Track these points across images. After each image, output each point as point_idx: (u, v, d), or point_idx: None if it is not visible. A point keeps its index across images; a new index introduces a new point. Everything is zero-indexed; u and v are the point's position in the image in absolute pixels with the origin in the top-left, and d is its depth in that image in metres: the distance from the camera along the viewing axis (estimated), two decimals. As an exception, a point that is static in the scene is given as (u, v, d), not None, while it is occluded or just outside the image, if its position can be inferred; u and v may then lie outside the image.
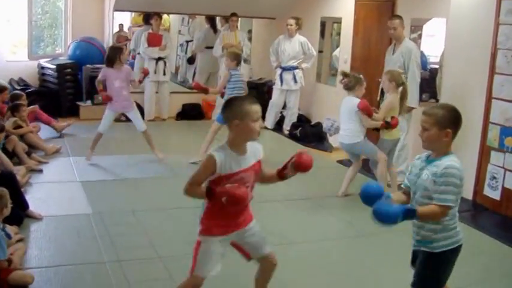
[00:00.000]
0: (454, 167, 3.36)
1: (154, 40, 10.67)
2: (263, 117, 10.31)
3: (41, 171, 7.33)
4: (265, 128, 10.39)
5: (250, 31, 13.10)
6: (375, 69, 8.84)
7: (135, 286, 4.50)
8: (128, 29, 14.28)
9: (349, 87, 6.66)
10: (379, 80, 8.54)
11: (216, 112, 11.05)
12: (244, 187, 3.42)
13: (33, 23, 11.05)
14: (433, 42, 8.23)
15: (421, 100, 7.87)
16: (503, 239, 5.80)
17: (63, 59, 11.37)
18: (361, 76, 6.74)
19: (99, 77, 7.85)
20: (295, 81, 10.10)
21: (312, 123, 10.44)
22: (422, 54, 8.14)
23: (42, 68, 11.10)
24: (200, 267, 3.59)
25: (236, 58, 8.02)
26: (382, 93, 7.54)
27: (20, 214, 5.46)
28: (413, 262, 3.71)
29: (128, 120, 8.29)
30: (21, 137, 7.77)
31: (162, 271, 4.80)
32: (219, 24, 12.56)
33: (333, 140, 9.49)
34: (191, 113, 11.31)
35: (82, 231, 5.53)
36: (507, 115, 6.43)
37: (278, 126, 10.54)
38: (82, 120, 10.53)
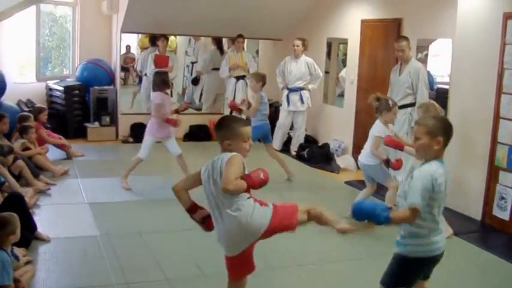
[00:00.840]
0: (426, 170, 3.51)
1: (161, 61, 10.73)
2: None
3: (47, 192, 7.34)
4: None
5: (257, 51, 13.15)
6: (381, 89, 8.81)
7: (143, 308, 4.49)
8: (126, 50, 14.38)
9: (376, 111, 6.60)
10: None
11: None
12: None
13: (41, 44, 11.13)
14: (438, 62, 8.23)
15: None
16: (512, 260, 5.77)
17: (71, 81, 11.43)
18: (390, 102, 6.58)
19: (160, 102, 7.63)
20: (302, 102, 10.11)
21: (319, 144, 10.44)
22: (429, 74, 8.13)
23: (50, 89, 11.16)
24: None
25: (262, 80, 8.22)
26: None
27: (28, 236, 5.46)
28: None
29: (136, 141, 8.29)
30: (30, 159, 7.78)
31: (169, 293, 4.79)
32: (226, 45, 12.61)
33: (340, 161, 9.50)
34: (199, 134, 11.33)
35: (90, 253, 5.53)
36: (515, 135, 6.42)
37: (285, 147, 10.53)
38: (89, 141, 10.56)
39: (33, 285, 4.72)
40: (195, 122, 11.48)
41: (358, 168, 9.27)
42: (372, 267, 5.49)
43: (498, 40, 6.57)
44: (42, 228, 5.88)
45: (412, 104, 7.48)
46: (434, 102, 6.69)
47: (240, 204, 3.58)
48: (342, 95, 10.39)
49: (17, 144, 7.81)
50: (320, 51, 10.70)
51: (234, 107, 8.54)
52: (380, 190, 7.25)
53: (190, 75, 13.56)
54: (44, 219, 6.29)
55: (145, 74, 11.21)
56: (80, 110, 11.05)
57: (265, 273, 5.10)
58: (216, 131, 3.77)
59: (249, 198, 3.63)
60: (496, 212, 6.67)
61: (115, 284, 4.88)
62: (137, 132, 10.05)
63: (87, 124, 10.90)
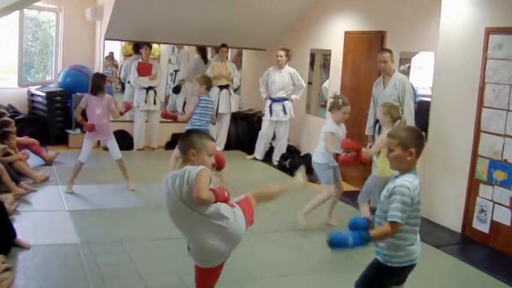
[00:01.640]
0: (404, 186, 3.57)
1: (144, 69, 10.71)
2: (253, 148, 10.41)
3: (28, 198, 7.29)
4: (255, 159, 10.41)
5: (240, 61, 13.18)
6: (364, 101, 8.88)
7: (123, 317, 4.46)
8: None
9: (330, 109, 6.68)
10: (368, 112, 8.62)
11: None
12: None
13: (23, 50, 11.08)
14: (420, 74, 8.29)
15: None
16: (492, 272, 5.79)
17: (53, 87, 11.38)
18: (341, 101, 6.61)
19: (82, 104, 7.85)
20: (285, 113, 10.14)
21: (301, 154, 10.46)
22: (411, 87, 8.19)
23: (32, 95, 11.10)
24: None
25: (205, 82, 8.01)
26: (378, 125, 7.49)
27: (7, 243, 5.42)
28: None
29: (121, 149, 8.27)
30: (10, 165, 7.73)
31: (150, 302, 4.77)
32: (210, 54, 12.62)
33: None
34: (180, 142, 11.27)
35: (70, 260, 5.49)
36: (495, 148, 6.47)
37: (267, 157, 10.55)
38: (71, 148, 10.51)
39: (11, 292, 4.67)
40: (178, 130, 11.41)
41: (340, 179, 9.33)
42: (354, 278, 5.52)
43: (480, 54, 6.64)
44: (22, 235, 5.82)
45: (399, 118, 7.39)
46: (396, 104, 6.88)
47: (222, 211, 3.57)
48: (324, 106, 10.43)
49: (-3, 150, 7.76)
50: (303, 62, 10.74)
51: (166, 116, 8.42)
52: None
53: (173, 83, 13.54)
54: (24, 226, 6.24)
55: (128, 82, 11.17)
56: (62, 116, 10.99)
57: (246, 284, 5.10)
58: (182, 141, 3.74)
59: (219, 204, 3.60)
60: (476, 224, 6.72)
61: (95, 292, 4.86)
62: (120, 139, 10.01)
63: (68, 131, 10.85)
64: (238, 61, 13.00)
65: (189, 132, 3.90)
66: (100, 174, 8.43)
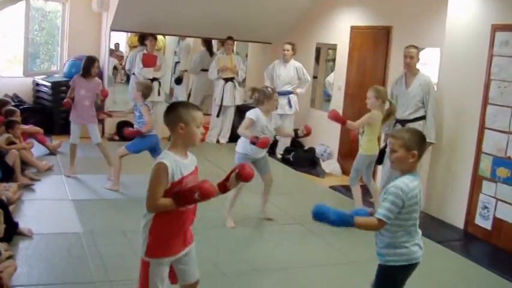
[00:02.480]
0: (398, 186, 3.56)
1: (149, 61, 10.71)
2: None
3: (32, 188, 7.33)
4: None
5: (246, 55, 13.18)
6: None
7: (125, 307, 4.48)
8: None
9: (258, 102, 6.55)
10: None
11: (209, 134, 11.12)
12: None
13: (29, 40, 11.08)
14: (426, 70, 8.26)
15: (414, 128, 7.94)
16: (494, 269, 5.80)
17: (59, 77, 11.38)
18: (270, 90, 6.61)
19: (71, 83, 8.14)
20: (290, 106, 10.13)
21: (305, 148, 10.46)
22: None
23: (37, 84, 11.11)
24: None
25: (143, 90, 7.72)
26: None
27: (9, 230, 5.43)
28: None
29: (122, 140, 8.29)
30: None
31: (152, 292, 4.77)
32: (216, 47, 12.61)
33: (325, 166, 9.53)
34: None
35: (72, 250, 5.50)
36: (499, 145, 6.47)
37: (271, 150, 10.52)
38: (75, 138, 10.51)
39: (14, 280, 4.68)
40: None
41: (344, 173, 9.36)
42: (357, 272, 5.54)
43: (486, 51, 6.63)
44: (25, 223, 5.86)
45: (423, 117, 7.20)
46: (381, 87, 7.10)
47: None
48: (328, 100, 10.43)
49: (2, 138, 7.77)
50: (309, 56, 10.73)
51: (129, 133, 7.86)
52: (368, 195, 7.34)
53: (175, 75, 13.55)
54: (27, 215, 6.28)
55: (133, 73, 11.17)
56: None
57: (250, 276, 5.12)
58: (168, 115, 3.53)
59: None
60: (479, 221, 6.72)
61: (97, 281, 4.87)
62: (123, 130, 10.02)
63: (73, 120, 10.85)
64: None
65: (175, 104, 3.62)
66: (103, 164, 8.43)
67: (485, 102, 6.67)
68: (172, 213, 3.39)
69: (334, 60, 10.26)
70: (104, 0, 11.00)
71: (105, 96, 8.54)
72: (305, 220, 6.90)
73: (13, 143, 7.96)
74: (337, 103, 9.84)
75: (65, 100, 8.10)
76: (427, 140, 6.76)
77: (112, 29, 11.04)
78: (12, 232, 5.52)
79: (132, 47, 12.93)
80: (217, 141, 11.27)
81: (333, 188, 8.57)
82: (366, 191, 7.43)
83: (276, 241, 6.32)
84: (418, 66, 7.39)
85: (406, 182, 3.59)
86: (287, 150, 10.22)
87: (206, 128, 10.79)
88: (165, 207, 3.36)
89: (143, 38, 11.26)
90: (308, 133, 6.74)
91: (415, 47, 7.20)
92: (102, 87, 8.77)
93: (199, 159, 3.70)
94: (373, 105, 6.77)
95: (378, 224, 3.55)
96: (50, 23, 12.00)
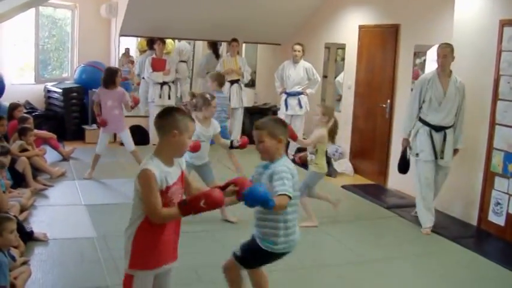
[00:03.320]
0: (284, 169, 3.78)
1: (158, 65, 10.75)
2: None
3: (46, 194, 7.37)
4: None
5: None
6: (378, 94, 8.90)
7: (139, 310, 4.48)
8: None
9: (196, 108, 6.47)
10: (383, 105, 8.61)
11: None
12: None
13: (40, 47, 11.17)
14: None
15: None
16: (507, 265, 5.76)
17: (70, 83, 11.47)
18: (208, 96, 6.46)
19: (95, 98, 8.39)
20: (301, 107, 10.12)
21: (317, 148, 10.43)
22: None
23: (49, 91, 11.20)
24: None
25: (217, 79, 8.21)
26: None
27: (23, 239, 5.46)
28: None
29: (134, 144, 8.35)
30: (28, 160, 7.80)
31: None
32: (224, 49, 12.63)
33: (337, 166, 9.51)
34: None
35: (86, 254, 5.54)
36: (511, 141, 6.44)
37: (283, 151, 10.52)
38: (87, 143, 10.58)
39: (28, 286, 4.70)
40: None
41: (356, 172, 9.35)
42: (369, 271, 5.53)
43: (494, 47, 6.60)
44: (39, 229, 5.90)
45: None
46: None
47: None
48: (339, 100, 10.42)
49: (15, 145, 7.83)
50: (318, 56, 10.73)
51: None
52: (380, 194, 7.32)
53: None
54: (40, 221, 6.33)
55: (143, 78, 11.22)
56: (78, 112, 11.09)
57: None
58: (163, 119, 3.36)
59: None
60: (492, 217, 6.69)
61: (111, 285, 4.88)
62: (135, 134, 10.07)
63: (85, 126, 10.94)
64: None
65: (171, 109, 3.44)
66: (116, 168, 8.49)
67: (496, 97, 6.64)
68: (155, 223, 3.28)
69: (343, 59, 10.25)
70: (112, 6, 11.07)
71: (137, 103, 8.68)
72: (317, 220, 6.91)
73: (26, 150, 8.01)
74: (348, 102, 9.84)
75: (100, 119, 8.29)
76: (458, 146, 6.73)
77: (121, 35, 11.10)
78: (26, 238, 5.55)
79: (142, 51, 12.97)
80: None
81: (345, 187, 8.55)
82: (379, 191, 7.41)
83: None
84: (428, 63, 7.37)
85: (288, 163, 3.85)
86: (299, 151, 10.20)
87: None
88: (170, 217, 3.27)
89: (152, 42, 11.31)
90: (243, 144, 6.38)
91: (449, 45, 6.70)
92: (131, 94, 9.08)
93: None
94: (320, 122, 6.59)
95: (284, 200, 3.65)
96: (59, 30, 12.09)
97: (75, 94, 11.04)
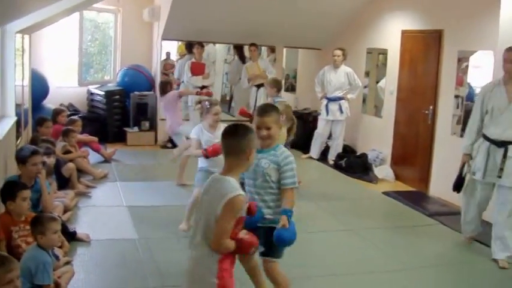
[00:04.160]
0: (293, 160, 4.15)
1: (197, 69, 10.81)
2: (308, 147, 10.39)
3: (89, 195, 7.47)
4: (311, 158, 10.37)
5: (274, 59, 13.18)
6: (421, 100, 8.80)
7: (180, 312, 4.51)
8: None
9: (201, 116, 6.54)
10: (426, 111, 8.53)
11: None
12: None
13: (83, 50, 11.33)
14: (479, 73, 8.12)
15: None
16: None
17: (112, 86, 11.60)
18: (208, 104, 6.41)
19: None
20: (341, 112, 10.09)
21: (357, 153, 10.39)
22: (469, 86, 8.07)
23: (91, 94, 11.34)
24: None
25: (276, 85, 8.20)
26: None
27: (67, 239, 5.54)
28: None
29: (174, 147, 8.40)
30: (71, 162, 7.90)
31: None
32: (265, 54, 12.66)
33: (378, 171, 9.44)
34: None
35: (128, 256, 5.60)
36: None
37: (323, 157, 10.51)
38: (129, 146, 10.70)
39: (71, 285, 4.76)
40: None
41: (397, 179, 9.27)
42: (409, 279, 5.48)
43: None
44: (81, 230, 5.99)
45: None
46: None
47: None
48: (378, 106, 10.35)
49: (58, 147, 7.93)
50: (359, 61, 10.67)
51: (243, 113, 8.53)
52: (421, 201, 7.23)
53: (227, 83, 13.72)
54: (83, 221, 6.42)
55: (182, 81, 11.29)
56: (120, 114, 11.20)
57: (301, 281, 5.10)
58: (236, 138, 3.28)
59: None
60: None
61: (152, 287, 4.93)
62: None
63: (126, 129, 11.05)
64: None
65: (245, 128, 3.35)
66: (158, 171, 8.55)
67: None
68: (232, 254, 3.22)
69: (385, 64, 10.18)
70: (155, 10, 11.16)
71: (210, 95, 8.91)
72: (357, 226, 6.88)
73: (69, 151, 8.11)
74: (389, 108, 9.76)
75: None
76: None
77: (163, 38, 11.19)
78: (68, 238, 5.62)
79: (182, 55, 13.06)
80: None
81: (386, 193, 8.46)
82: (420, 198, 7.33)
83: (328, 247, 6.30)
84: (471, 69, 7.21)
85: (287, 150, 4.16)
86: (339, 156, 10.17)
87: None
88: (226, 250, 3.16)
89: (191, 46, 11.38)
90: (211, 153, 5.81)
91: None
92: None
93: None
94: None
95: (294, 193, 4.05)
96: (102, 34, 12.25)
97: (117, 97, 11.16)
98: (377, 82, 10.52)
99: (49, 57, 10.89)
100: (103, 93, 11.01)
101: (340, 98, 10.08)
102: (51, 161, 6.81)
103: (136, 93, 11.08)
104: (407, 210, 7.69)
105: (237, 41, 12.19)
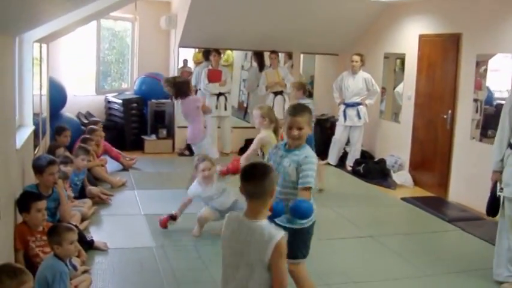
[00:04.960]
0: (315, 161, 4.18)
1: (214, 76, 10.82)
2: (326, 153, 10.34)
3: (107, 203, 7.49)
4: (328, 164, 10.32)
5: (292, 66, 13.15)
6: (439, 105, 8.73)
7: (197, 321, 4.50)
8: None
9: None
10: (444, 116, 8.46)
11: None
12: None
13: (101, 59, 11.38)
14: (497, 77, 8.04)
15: (486, 136, 7.72)
16: None
17: (129, 94, 11.64)
18: (197, 159, 6.68)
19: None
20: (359, 118, 10.04)
21: (376, 159, 10.32)
22: (488, 90, 8.00)
23: (109, 102, 11.38)
24: None
25: (302, 88, 8.42)
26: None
27: (84, 248, 5.54)
28: None
29: (192, 154, 8.39)
30: (89, 170, 7.92)
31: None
32: (282, 60, 12.63)
33: (396, 177, 9.38)
34: (253, 147, 11.33)
35: (145, 264, 5.58)
36: None
37: (341, 162, 10.45)
38: (146, 153, 10.71)
39: (89, 294, 4.78)
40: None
41: (415, 184, 9.20)
42: (431, 286, 5.42)
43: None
44: (99, 238, 5.99)
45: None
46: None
47: None
48: (396, 111, 10.29)
49: (80, 162, 7.91)
50: (377, 67, 10.61)
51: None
52: (441, 207, 7.16)
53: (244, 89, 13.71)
54: (101, 230, 6.43)
55: (199, 89, 11.29)
56: (138, 122, 11.23)
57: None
58: (258, 182, 3.14)
59: None
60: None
61: (170, 295, 4.92)
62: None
63: (144, 136, 11.07)
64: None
65: (265, 166, 3.29)
66: (176, 179, 8.53)
67: None
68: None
69: (402, 69, 10.11)
70: (172, 18, 11.19)
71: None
72: (377, 233, 6.82)
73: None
74: (407, 113, 9.69)
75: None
76: None
77: (180, 46, 11.21)
78: (86, 247, 5.63)
79: (197, 63, 13.08)
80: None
81: (405, 199, 8.40)
82: (440, 204, 7.27)
83: (348, 254, 6.25)
84: (490, 73, 7.14)
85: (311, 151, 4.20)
86: (357, 162, 10.11)
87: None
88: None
89: (207, 53, 11.39)
90: (232, 170, 5.98)
91: None
92: None
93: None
94: (260, 125, 6.28)
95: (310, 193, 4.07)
96: (120, 42, 12.30)
97: (134, 105, 11.19)
98: (394, 88, 10.45)
99: (67, 66, 10.94)
100: (120, 101, 11.05)
101: (358, 104, 10.03)
102: (68, 169, 6.81)
103: (154, 101, 11.11)
104: (427, 216, 7.62)
105: (253, 47, 12.17)
